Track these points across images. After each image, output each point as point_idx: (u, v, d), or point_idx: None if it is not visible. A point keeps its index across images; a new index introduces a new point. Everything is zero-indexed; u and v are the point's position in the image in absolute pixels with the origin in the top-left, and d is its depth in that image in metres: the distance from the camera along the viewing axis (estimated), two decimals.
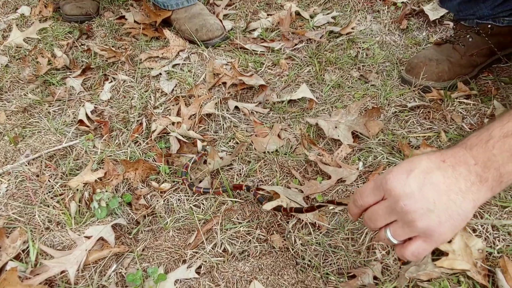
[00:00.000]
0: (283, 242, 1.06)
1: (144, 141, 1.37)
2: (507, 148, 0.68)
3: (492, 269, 0.96)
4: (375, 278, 0.98)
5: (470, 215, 0.69)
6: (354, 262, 1.02)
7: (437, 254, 0.99)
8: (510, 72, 1.51)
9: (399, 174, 0.70)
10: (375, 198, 0.72)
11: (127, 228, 1.13)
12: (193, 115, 1.43)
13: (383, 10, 1.93)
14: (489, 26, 1.47)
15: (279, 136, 1.35)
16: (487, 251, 1.00)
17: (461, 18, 1.53)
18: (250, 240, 1.07)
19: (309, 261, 1.02)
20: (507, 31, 1.50)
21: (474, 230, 1.05)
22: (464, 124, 1.33)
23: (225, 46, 1.78)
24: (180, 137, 1.34)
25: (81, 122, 1.43)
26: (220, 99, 1.48)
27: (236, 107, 1.47)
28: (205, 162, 1.28)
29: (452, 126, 1.33)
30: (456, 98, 1.43)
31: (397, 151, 1.26)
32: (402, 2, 1.96)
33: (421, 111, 1.40)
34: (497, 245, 1.02)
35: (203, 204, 1.17)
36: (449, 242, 0.99)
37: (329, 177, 1.19)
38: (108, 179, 1.21)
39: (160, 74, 1.64)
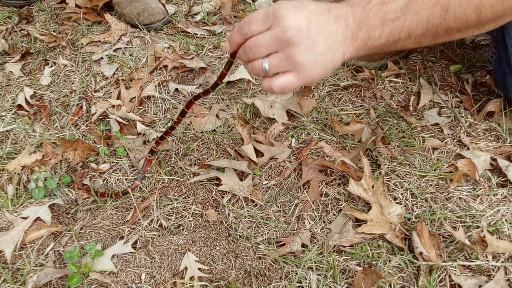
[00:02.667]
0: (217, 216, 1.11)
1: (84, 123, 1.38)
2: (380, 15, 0.76)
3: (408, 233, 1.04)
4: (303, 245, 1.05)
5: (337, 65, 0.78)
6: (284, 232, 1.09)
7: (357, 222, 1.07)
8: (436, 52, 1.60)
9: (291, 7, 0.74)
10: (262, 27, 0.75)
11: (66, 208, 1.15)
12: (133, 98, 1.46)
13: None
14: None
15: (217, 116, 1.39)
16: (405, 217, 1.08)
17: None
18: (185, 216, 1.12)
19: (241, 232, 1.08)
20: None
21: (395, 198, 1.13)
22: (392, 102, 1.41)
23: (167, 30, 1.80)
24: (120, 120, 1.36)
25: (19, 107, 1.43)
26: (160, 82, 1.51)
27: (177, 89, 1.50)
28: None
29: (381, 103, 1.41)
30: (386, 77, 1.50)
31: (329, 127, 1.33)
32: None
33: (353, 90, 1.47)
34: (415, 211, 1.10)
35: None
36: (366, 212, 1.07)
37: (263, 155, 1.25)
38: (47, 159, 1.22)
39: (102, 58, 1.65)
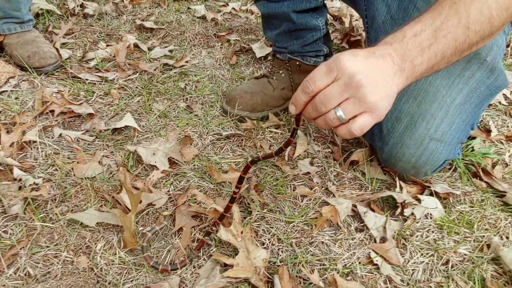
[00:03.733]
0: (88, 263, 1.12)
1: None
2: (417, 45, 0.87)
3: (271, 276, 1.11)
4: None
5: (395, 97, 0.87)
6: (155, 277, 1.11)
7: (226, 267, 1.12)
8: None
9: (347, 56, 0.82)
10: (328, 81, 0.82)
11: None
12: (14, 142, 1.44)
13: (217, 46, 2.11)
14: (297, 63, 1.70)
15: (99, 162, 1.41)
16: (270, 261, 1.15)
17: (277, 50, 1.74)
18: (54, 263, 1.11)
19: (111, 279, 1.09)
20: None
21: (262, 243, 1.20)
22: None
23: (59, 75, 1.80)
24: None
25: None
26: (43, 127, 1.50)
27: (61, 135, 1.50)
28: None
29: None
30: (267, 127, 1.61)
31: (208, 175, 1.39)
32: (235, 40, 2.16)
33: (235, 139, 1.56)
34: (280, 256, 1.18)
35: (12, 229, 1.18)
36: (234, 257, 1.13)
37: (140, 201, 1.28)
38: None
39: None
